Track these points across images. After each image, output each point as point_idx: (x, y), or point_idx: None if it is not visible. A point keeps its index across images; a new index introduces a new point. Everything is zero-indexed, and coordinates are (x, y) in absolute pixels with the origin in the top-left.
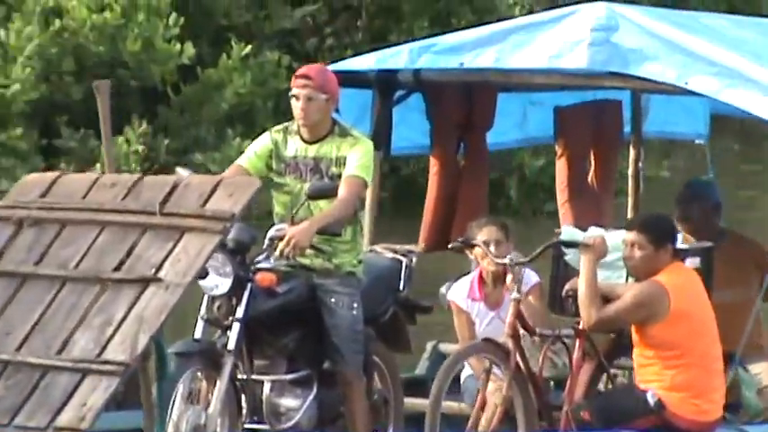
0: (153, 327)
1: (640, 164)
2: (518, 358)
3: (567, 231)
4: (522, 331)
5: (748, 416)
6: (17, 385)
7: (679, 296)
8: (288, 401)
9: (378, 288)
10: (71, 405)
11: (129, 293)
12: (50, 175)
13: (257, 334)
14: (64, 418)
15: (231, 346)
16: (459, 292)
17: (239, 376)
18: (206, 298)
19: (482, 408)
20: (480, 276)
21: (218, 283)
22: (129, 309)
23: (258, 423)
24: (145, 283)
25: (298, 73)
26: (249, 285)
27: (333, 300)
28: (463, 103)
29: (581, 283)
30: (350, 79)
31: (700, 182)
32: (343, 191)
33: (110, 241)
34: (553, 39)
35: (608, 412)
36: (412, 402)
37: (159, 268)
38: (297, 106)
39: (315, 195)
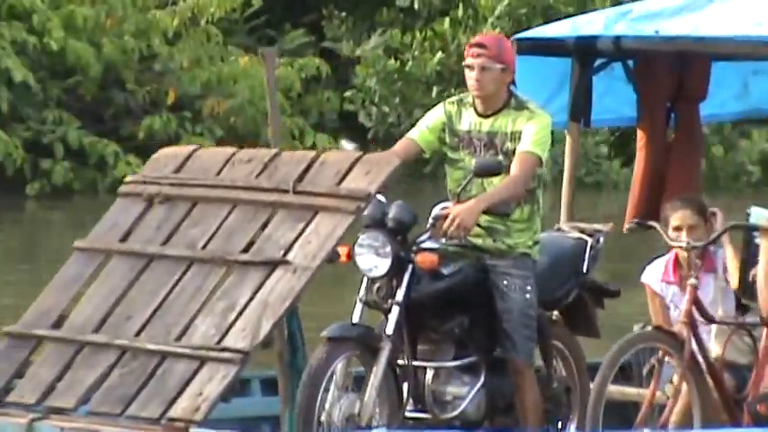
0: (276, 313)
1: None
2: (694, 347)
3: (756, 213)
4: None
5: None
6: (132, 373)
7: None
8: (453, 389)
9: (560, 269)
10: (186, 395)
11: (254, 277)
12: (186, 149)
13: (421, 318)
14: (178, 409)
15: (389, 330)
16: (653, 275)
17: (400, 362)
18: (365, 280)
19: (651, 402)
20: (675, 259)
21: (376, 264)
22: (254, 293)
23: (421, 412)
24: (272, 265)
25: (472, 42)
26: (410, 266)
27: (505, 282)
28: (673, 72)
29: (760, 269)
30: (547, 47)
31: None
32: (515, 168)
33: (240, 220)
34: (756, 5)
35: None
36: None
37: (288, 250)
38: (471, 77)
39: (481, 173)
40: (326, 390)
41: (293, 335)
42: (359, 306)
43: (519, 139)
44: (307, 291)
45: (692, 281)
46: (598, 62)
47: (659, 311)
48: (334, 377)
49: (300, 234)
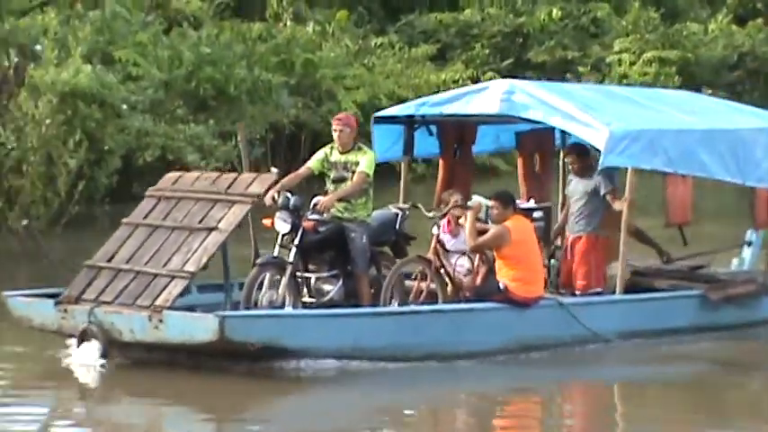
0: (209, 253)
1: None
2: (437, 264)
3: (474, 198)
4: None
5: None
6: (140, 284)
7: (516, 232)
8: (327, 286)
9: (385, 227)
10: (162, 294)
11: (202, 235)
12: (178, 173)
13: (309, 252)
14: (159, 300)
15: (290, 258)
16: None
17: (299, 274)
18: (279, 235)
19: (418, 294)
20: (448, 221)
21: (284, 227)
22: (201, 243)
23: (310, 299)
24: (210, 230)
25: (336, 118)
26: (301, 228)
27: (352, 235)
28: (456, 129)
29: (467, 227)
30: (391, 119)
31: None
32: (354, 179)
33: (199, 208)
34: (483, 98)
35: (481, 293)
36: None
37: (219, 221)
38: (336, 136)
39: (336, 181)
40: (259, 289)
41: (225, 264)
42: (277, 248)
43: (358, 164)
44: (229, 239)
45: (435, 232)
46: (416, 127)
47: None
48: (264, 283)
49: (225, 214)
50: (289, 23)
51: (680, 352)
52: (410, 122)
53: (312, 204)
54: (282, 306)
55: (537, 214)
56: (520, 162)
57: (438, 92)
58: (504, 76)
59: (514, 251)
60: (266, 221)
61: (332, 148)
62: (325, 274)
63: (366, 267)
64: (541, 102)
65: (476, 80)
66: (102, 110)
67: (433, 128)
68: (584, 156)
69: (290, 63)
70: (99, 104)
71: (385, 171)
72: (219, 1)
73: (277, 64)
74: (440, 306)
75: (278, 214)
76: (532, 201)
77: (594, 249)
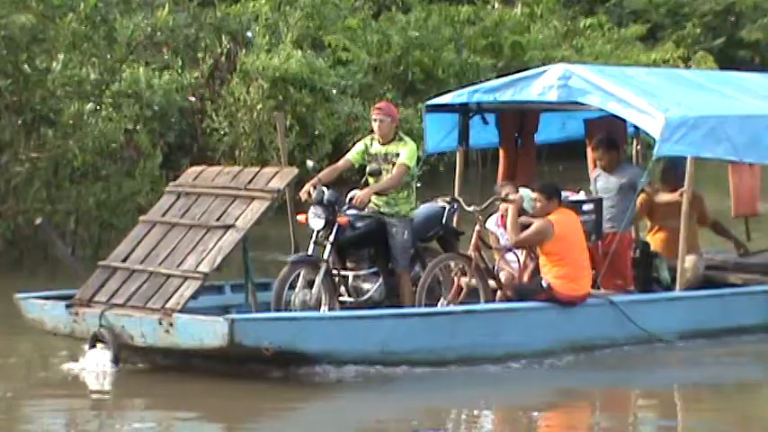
0: (224, 252)
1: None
2: (479, 261)
3: (522, 192)
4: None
5: (661, 286)
6: (153, 285)
7: (560, 226)
8: (365, 285)
9: (431, 221)
10: (174, 296)
11: (218, 233)
12: (201, 168)
13: (347, 249)
14: (170, 303)
15: (325, 256)
16: (491, 221)
17: (334, 273)
18: (314, 232)
19: (459, 292)
20: (501, 215)
21: (317, 223)
22: (217, 242)
23: (348, 298)
24: (227, 227)
25: (376, 107)
26: (336, 224)
27: (393, 230)
28: (516, 117)
29: (509, 221)
30: (444, 107)
31: (671, 163)
32: (393, 171)
33: (218, 204)
34: (538, 84)
35: (523, 292)
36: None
37: (237, 219)
38: (376, 126)
39: (372, 174)
40: (291, 288)
41: (246, 263)
42: (312, 245)
43: (399, 156)
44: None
45: (477, 227)
46: (471, 115)
47: (494, 240)
48: (299, 281)
49: (243, 211)
50: (497, 6)
51: (747, 352)
52: (465, 110)
53: (348, 199)
54: (318, 307)
55: (586, 207)
56: (590, 151)
57: None
58: (715, 55)
59: (558, 247)
60: (300, 217)
61: (372, 139)
62: (363, 272)
63: (408, 265)
64: (597, 87)
65: (687, 59)
66: (312, 95)
67: (490, 117)
68: (613, 150)
69: (497, 45)
70: (309, 89)
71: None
72: None
73: (485, 47)
74: (475, 306)
75: (311, 209)
76: (582, 193)
77: (627, 248)
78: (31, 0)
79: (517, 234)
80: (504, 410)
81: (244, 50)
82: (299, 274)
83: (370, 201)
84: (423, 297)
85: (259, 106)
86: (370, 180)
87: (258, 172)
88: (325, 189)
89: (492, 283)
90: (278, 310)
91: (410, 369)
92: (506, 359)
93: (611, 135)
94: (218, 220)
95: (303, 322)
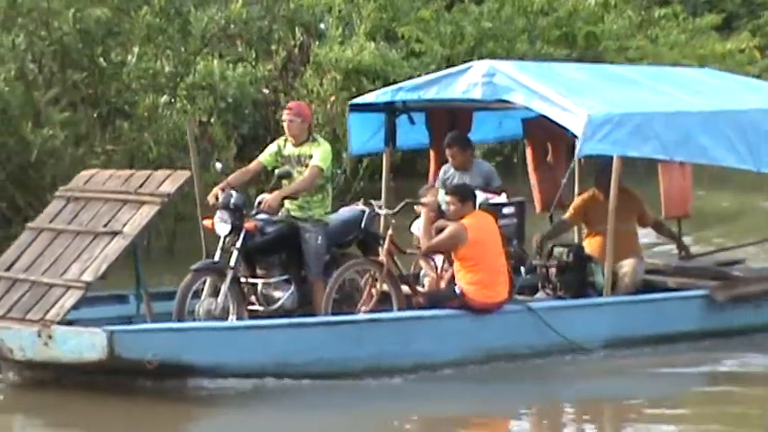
0: (109, 260)
1: None
2: (391, 267)
3: (441, 196)
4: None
5: (596, 291)
6: (35, 295)
7: (474, 230)
8: (276, 293)
9: (349, 226)
10: (56, 306)
11: (105, 239)
12: (93, 171)
13: (256, 255)
14: (50, 314)
15: (231, 263)
16: (415, 226)
17: (243, 280)
18: (221, 237)
19: (370, 299)
20: None
21: (223, 228)
22: (103, 249)
23: (259, 307)
24: (114, 234)
25: (287, 107)
26: (243, 229)
27: (307, 235)
28: (447, 117)
29: (422, 226)
30: (368, 107)
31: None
32: (306, 174)
33: (107, 209)
34: (463, 81)
35: (435, 299)
36: None
37: (124, 225)
38: (285, 126)
39: (282, 177)
40: (194, 297)
41: (137, 270)
42: (218, 252)
43: (312, 157)
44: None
45: (390, 231)
46: (398, 114)
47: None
48: (205, 290)
49: (132, 216)
50: None
51: (675, 362)
52: (391, 110)
53: (257, 203)
54: (225, 316)
55: (507, 210)
56: (528, 152)
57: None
58: None
59: (472, 252)
60: (206, 222)
61: (286, 140)
62: (274, 280)
63: (321, 272)
64: (521, 85)
65: (763, 49)
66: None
67: (420, 116)
68: (468, 148)
69: (571, 36)
70: (382, 81)
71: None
72: None
73: (558, 37)
74: (381, 315)
75: (218, 214)
76: (504, 195)
77: None
78: None
79: (430, 239)
80: (413, 423)
81: (317, 42)
82: (204, 282)
83: (281, 205)
84: (329, 305)
85: (332, 98)
86: (285, 183)
87: (150, 175)
88: (233, 193)
89: (406, 289)
90: (180, 320)
91: (313, 382)
92: (417, 369)
93: (465, 133)
94: (105, 225)
95: (190, 333)
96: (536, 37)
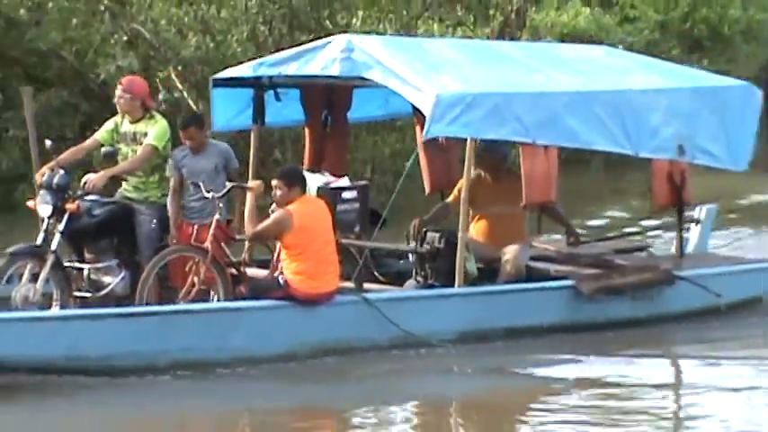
0: None
1: None
2: (217, 253)
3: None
4: None
5: (469, 279)
6: None
7: (300, 216)
8: (106, 278)
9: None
10: None
11: None
12: None
13: (83, 238)
14: None
15: (53, 247)
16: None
17: (68, 264)
18: (44, 219)
19: (189, 290)
20: None
21: (45, 210)
22: None
23: (86, 293)
24: None
25: (119, 82)
26: (66, 210)
27: (141, 217)
28: (324, 93)
29: (246, 211)
30: (234, 82)
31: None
32: (138, 153)
33: None
34: (322, 57)
35: (258, 289)
36: None
37: None
38: (119, 104)
39: (107, 156)
40: (8, 282)
41: None
42: (41, 234)
43: (146, 135)
44: None
45: (216, 216)
46: (266, 90)
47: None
48: (25, 275)
49: None
50: None
51: (532, 359)
52: (259, 85)
53: (82, 183)
54: (49, 304)
55: (347, 195)
56: (417, 130)
57: None
58: None
59: (298, 239)
60: (30, 203)
61: (123, 116)
62: (104, 265)
63: (152, 256)
64: (379, 62)
65: None
66: None
67: (295, 92)
68: (201, 129)
69: None
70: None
71: None
72: None
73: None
74: (193, 306)
75: (40, 195)
76: (346, 179)
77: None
78: None
79: (254, 226)
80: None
81: (534, 7)
82: (20, 268)
83: (114, 186)
84: (145, 293)
85: None
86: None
87: None
88: (60, 172)
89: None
90: None
91: (111, 379)
92: (236, 364)
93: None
94: None
95: None
96: (749, 3)
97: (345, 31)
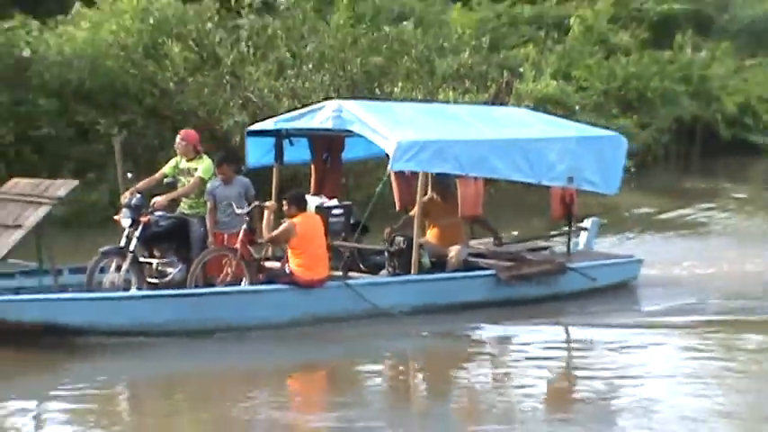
0: (8, 245)
1: None
2: (243, 251)
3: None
4: None
5: (424, 269)
6: None
7: (301, 226)
8: (168, 269)
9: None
10: None
11: (12, 232)
12: (18, 179)
13: (153, 241)
14: None
15: (131, 247)
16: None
17: (141, 260)
18: (126, 229)
19: (225, 277)
20: None
21: (125, 222)
22: (7, 238)
23: (155, 279)
24: (16, 227)
25: (179, 133)
26: (141, 223)
27: (193, 227)
28: (325, 140)
29: (264, 222)
30: (262, 132)
31: (439, 175)
32: (190, 182)
33: (17, 208)
34: (320, 115)
35: (272, 276)
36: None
37: (27, 219)
38: (178, 148)
39: (170, 185)
40: (102, 272)
41: (39, 253)
42: (123, 238)
43: (196, 170)
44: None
45: (244, 226)
46: (284, 138)
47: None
48: (112, 266)
49: (33, 214)
50: (689, 51)
51: (462, 327)
52: (278, 135)
53: (152, 203)
54: (128, 287)
55: (336, 211)
56: (389, 167)
57: None
58: None
59: (300, 242)
60: (116, 217)
61: (181, 157)
62: (167, 260)
63: (200, 254)
64: (359, 119)
65: None
66: (563, 110)
67: (303, 140)
68: (231, 166)
69: (689, 78)
70: (561, 106)
71: None
72: (642, 37)
73: (680, 78)
74: (226, 288)
75: (122, 212)
76: (335, 200)
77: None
78: (382, 47)
79: (270, 233)
80: (246, 373)
81: (518, 80)
82: (108, 262)
83: (175, 205)
84: (194, 281)
85: None
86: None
87: (53, 183)
88: (138, 195)
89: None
90: (90, 290)
91: (167, 339)
92: (258, 329)
93: (234, 153)
94: (14, 220)
95: (61, 302)
96: (665, 78)
97: (389, 98)
